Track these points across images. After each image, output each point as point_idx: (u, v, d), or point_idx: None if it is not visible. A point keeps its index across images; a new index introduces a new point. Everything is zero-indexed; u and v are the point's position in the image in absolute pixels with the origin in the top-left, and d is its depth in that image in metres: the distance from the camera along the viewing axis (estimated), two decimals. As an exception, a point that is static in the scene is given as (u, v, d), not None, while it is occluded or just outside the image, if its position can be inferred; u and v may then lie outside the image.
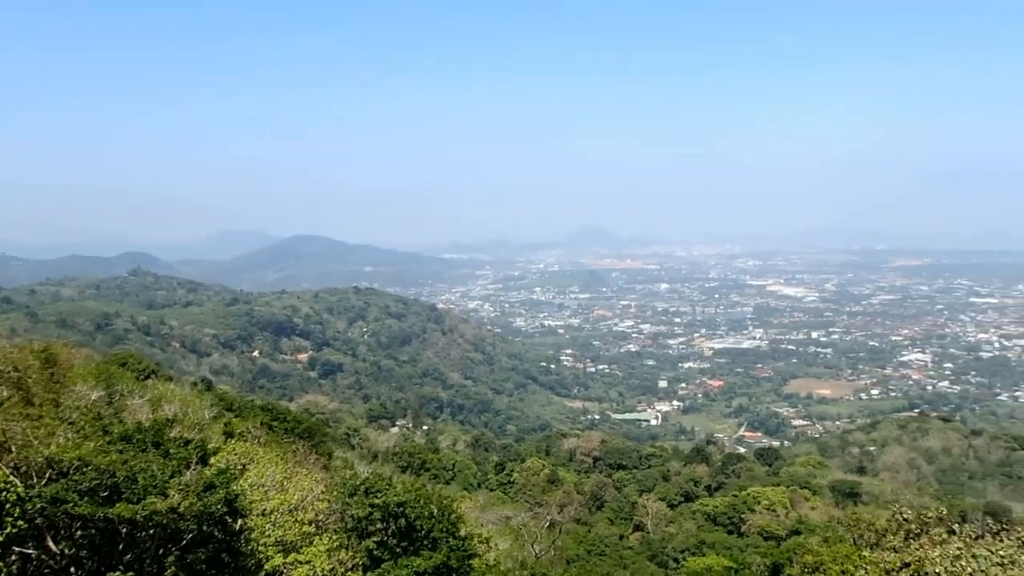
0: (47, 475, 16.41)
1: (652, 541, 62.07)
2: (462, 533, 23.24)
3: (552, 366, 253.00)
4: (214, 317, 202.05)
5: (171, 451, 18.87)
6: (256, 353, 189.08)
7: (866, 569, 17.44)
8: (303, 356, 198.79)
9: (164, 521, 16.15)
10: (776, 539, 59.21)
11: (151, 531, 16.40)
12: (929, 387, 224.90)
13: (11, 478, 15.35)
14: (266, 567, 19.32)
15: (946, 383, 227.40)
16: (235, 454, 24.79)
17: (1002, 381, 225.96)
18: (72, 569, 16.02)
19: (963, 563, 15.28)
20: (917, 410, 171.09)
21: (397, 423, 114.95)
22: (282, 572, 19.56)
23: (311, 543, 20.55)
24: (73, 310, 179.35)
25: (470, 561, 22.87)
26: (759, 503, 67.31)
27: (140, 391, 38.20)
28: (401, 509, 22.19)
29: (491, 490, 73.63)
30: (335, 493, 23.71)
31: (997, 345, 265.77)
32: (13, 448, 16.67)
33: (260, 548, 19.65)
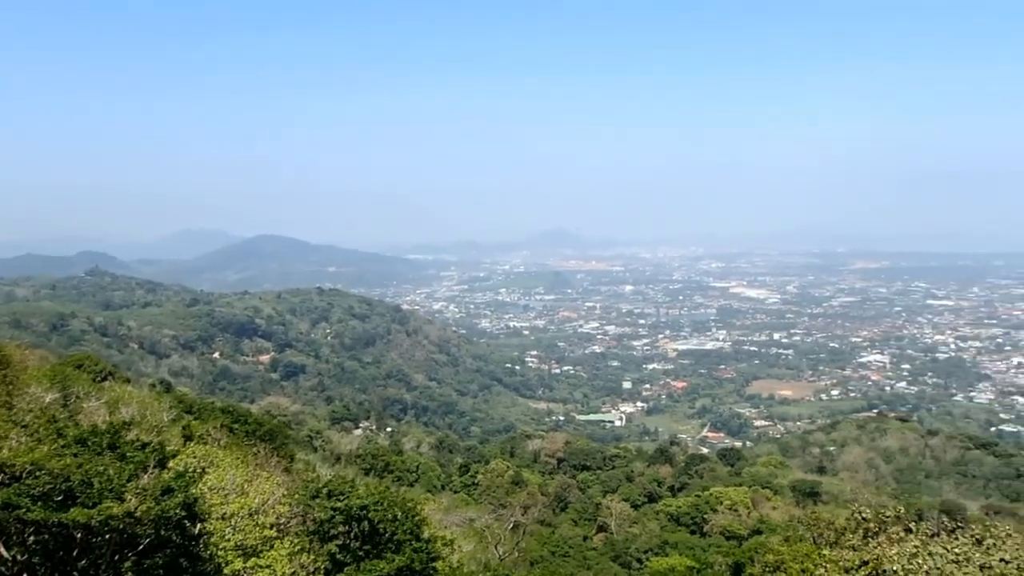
0: (-2, 479, 16.00)
1: (616, 542, 62.45)
2: (426, 536, 23.21)
3: (517, 367, 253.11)
4: (174, 318, 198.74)
5: (128, 454, 18.50)
6: (217, 355, 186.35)
7: (825, 567, 17.65)
8: (265, 357, 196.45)
9: (120, 526, 15.82)
10: (738, 539, 59.96)
11: (107, 536, 16.07)
12: (887, 388, 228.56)
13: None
14: (226, 571, 19.06)
15: (903, 384, 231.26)
16: (194, 457, 24.42)
17: (957, 382, 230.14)
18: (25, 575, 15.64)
19: (920, 561, 15.52)
20: (875, 410, 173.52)
21: (360, 425, 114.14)
22: (242, 577, 19.31)
23: (272, 547, 20.32)
24: (28, 311, 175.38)
25: (434, 564, 22.85)
26: (721, 503, 68.13)
27: (96, 393, 37.53)
28: (364, 512, 22.09)
29: (455, 492, 73.43)
30: (297, 496, 23.50)
31: (953, 346, 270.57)
32: (-37, 452, 16.26)
33: (220, 552, 19.38)
